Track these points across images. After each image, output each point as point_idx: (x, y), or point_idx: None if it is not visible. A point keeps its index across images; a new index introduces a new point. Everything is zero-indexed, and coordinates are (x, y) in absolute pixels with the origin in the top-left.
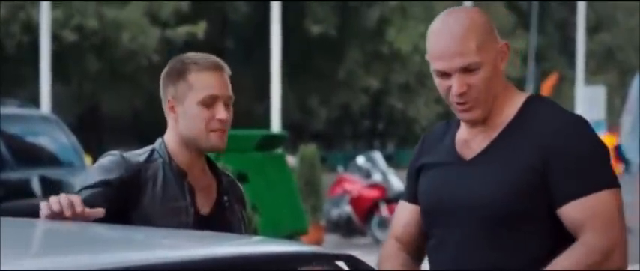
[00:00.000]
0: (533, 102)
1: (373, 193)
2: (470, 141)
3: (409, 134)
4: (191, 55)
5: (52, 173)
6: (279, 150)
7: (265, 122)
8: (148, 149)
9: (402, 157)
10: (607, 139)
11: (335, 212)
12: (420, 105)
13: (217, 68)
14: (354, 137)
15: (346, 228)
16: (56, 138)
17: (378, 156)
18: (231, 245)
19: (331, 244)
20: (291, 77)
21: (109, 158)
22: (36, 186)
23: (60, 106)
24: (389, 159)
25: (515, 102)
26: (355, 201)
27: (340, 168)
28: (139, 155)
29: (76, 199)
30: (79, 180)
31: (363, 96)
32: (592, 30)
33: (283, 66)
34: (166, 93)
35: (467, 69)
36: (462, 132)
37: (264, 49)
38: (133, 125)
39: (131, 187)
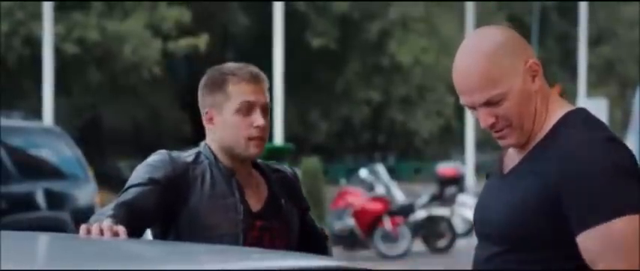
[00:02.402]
0: (567, 118)
1: (376, 206)
2: (512, 155)
3: (410, 146)
4: (230, 65)
5: (57, 185)
6: (286, 163)
7: None
8: (193, 151)
9: (402, 169)
10: None
11: (338, 225)
12: (421, 117)
13: (254, 79)
14: (354, 149)
15: (349, 241)
16: (60, 151)
17: (381, 168)
18: (254, 260)
19: (334, 257)
20: (292, 90)
21: (156, 157)
22: (40, 198)
23: (61, 118)
24: (390, 172)
25: (554, 116)
26: (358, 214)
27: (343, 181)
28: (186, 156)
29: (121, 229)
30: (83, 193)
31: (363, 108)
32: (593, 42)
33: (284, 79)
34: (203, 104)
35: (490, 103)
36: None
37: (265, 61)
38: (135, 137)
39: (179, 185)
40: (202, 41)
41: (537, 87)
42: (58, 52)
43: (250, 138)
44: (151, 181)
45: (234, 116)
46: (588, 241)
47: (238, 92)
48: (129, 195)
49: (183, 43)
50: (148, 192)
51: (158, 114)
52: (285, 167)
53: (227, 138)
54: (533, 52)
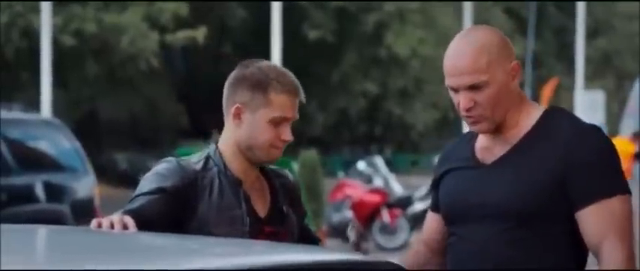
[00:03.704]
0: (552, 113)
1: (375, 198)
2: (491, 147)
3: (406, 139)
4: (271, 68)
5: (56, 178)
6: (286, 156)
7: None
8: (202, 156)
9: (399, 162)
10: (622, 144)
11: (336, 218)
12: (418, 110)
13: (296, 92)
14: (351, 142)
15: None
16: (59, 143)
17: (379, 161)
18: (278, 254)
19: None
20: None
21: (164, 165)
22: (39, 191)
23: (58, 111)
24: (386, 164)
25: (533, 114)
26: (357, 206)
27: (341, 173)
28: (195, 163)
29: (130, 221)
30: (82, 185)
31: (360, 100)
32: (590, 35)
33: None
34: (234, 97)
35: (473, 87)
36: (482, 141)
37: (262, 54)
38: (132, 129)
39: (187, 195)
40: (200, 33)
41: (514, 87)
42: (56, 44)
43: (274, 147)
44: (159, 190)
45: (266, 123)
46: (589, 216)
47: (279, 103)
48: (136, 203)
49: (181, 36)
50: (155, 201)
51: (155, 106)
52: (287, 172)
53: (252, 138)
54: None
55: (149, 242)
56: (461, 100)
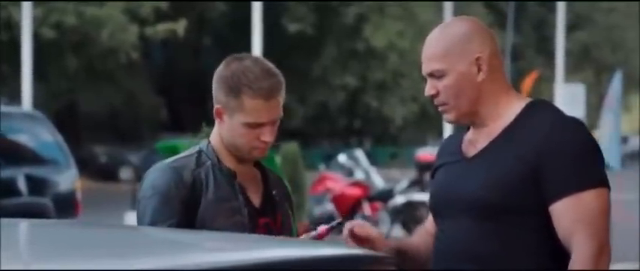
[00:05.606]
0: (535, 105)
1: (356, 191)
2: (474, 140)
3: (385, 132)
4: (248, 70)
5: (38, 171)
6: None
7: None
8: (194, 151)
9: (378, 155)
10: None
11: (317, 211)
12: (396, 103)
13: (271, 96)
14: (330, 135)
15: None
16: (41, 136)
17: (360, 154)
18: (277, 249)
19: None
20: None
21: (162, 178)
22: (22, 184)
23: (38, 103)
24: (366, 157)
25: (516, 106)
26: (338, 199)
27: (322, 166)
28: (188, 161)
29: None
30: (64, 178)
31: (340, 93)
32: (569, 28)
33: None
34: (215, 99)
35: (433, 75)
36: (469, 134)
37: (242, 47)
38: (111, 122)
39: (192, 198)
40: (181, 26)
41: (481, 79)
42: (35, 37)
43: (254, 148)
44: (172, 214)
45: (242, 127)
46: (561, 210)
47: (252, 109)
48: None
49: (161, 28)
50: (177, 224)
51: (135, 99)
52: (273, 170)
53: (232, 139)
54: (493, 51)
55: (155, 238)
56: (426, 86)
